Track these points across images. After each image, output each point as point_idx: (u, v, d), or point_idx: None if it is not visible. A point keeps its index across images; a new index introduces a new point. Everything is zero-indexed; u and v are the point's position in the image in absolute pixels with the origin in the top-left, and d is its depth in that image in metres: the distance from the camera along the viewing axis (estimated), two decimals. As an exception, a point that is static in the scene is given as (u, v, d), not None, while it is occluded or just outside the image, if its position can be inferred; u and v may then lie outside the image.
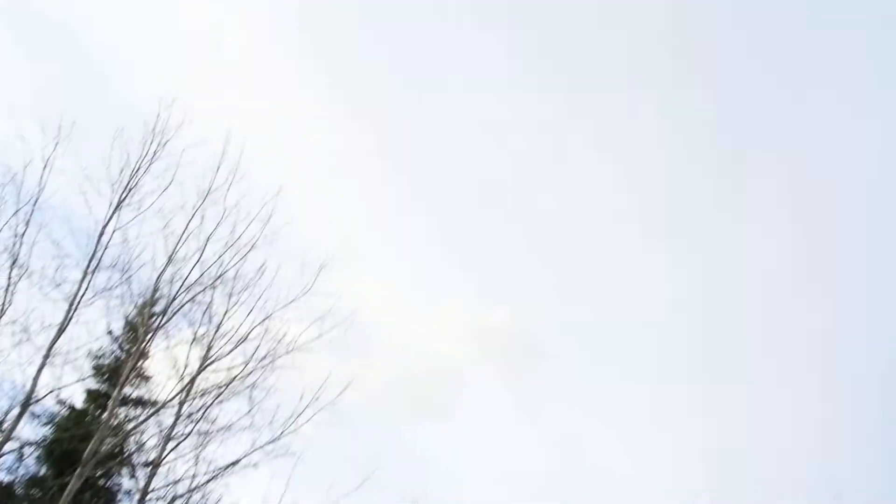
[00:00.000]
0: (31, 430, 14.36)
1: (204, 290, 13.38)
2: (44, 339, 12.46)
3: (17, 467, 14.45)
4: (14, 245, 12.39)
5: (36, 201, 12.84)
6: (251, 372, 13.57)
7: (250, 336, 13.62)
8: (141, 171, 13.27)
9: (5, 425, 12.48)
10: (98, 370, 14.56)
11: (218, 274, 13.38)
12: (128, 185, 13.16)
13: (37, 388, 12.42)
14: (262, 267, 13.60)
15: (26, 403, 12.33)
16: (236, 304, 13.62)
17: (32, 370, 12.38)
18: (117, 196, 13.10)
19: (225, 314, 13.63)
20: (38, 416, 14.14)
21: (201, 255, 13.41)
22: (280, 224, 13.75)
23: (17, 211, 12.52)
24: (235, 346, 13.59)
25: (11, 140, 12.66)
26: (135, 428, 13.59)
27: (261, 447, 13.24)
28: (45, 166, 12.84)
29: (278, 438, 13.30)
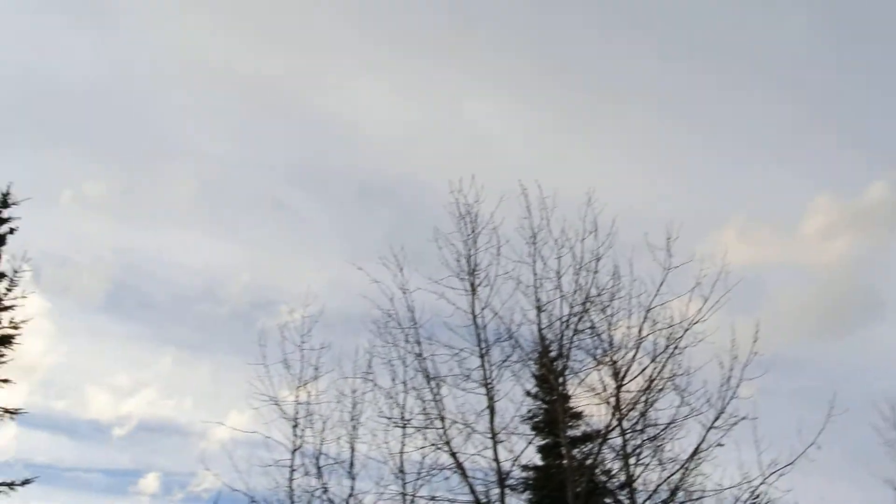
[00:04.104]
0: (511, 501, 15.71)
1: (584, 319, 14.13)
2: (483, 426, 13.99)
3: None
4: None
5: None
6: (663, 366, 13.86)
7: (642, 334, 13.99)
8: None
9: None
10: (537, 428, 15.72)
11: (594, 295, 14.19)
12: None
13: (501, 465, 13.85)
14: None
15: (501, 481, 13.74)
16: (616, 314, 14.15)
17: (489, 453, 13.88)
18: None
19: (608, 328, 14.20)
20: (515, 487, 15.50)
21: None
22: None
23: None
24: (636, 349, 13.99)
25: (369, 283, 14.61)
26: (595, 460, 14.37)
27: (714, 425, 13.36)
28: (402, 291, 14.59)
29: (723, 410, 13.34)
